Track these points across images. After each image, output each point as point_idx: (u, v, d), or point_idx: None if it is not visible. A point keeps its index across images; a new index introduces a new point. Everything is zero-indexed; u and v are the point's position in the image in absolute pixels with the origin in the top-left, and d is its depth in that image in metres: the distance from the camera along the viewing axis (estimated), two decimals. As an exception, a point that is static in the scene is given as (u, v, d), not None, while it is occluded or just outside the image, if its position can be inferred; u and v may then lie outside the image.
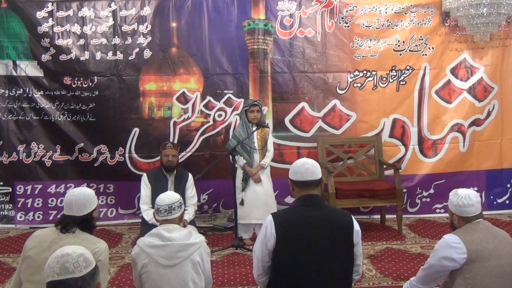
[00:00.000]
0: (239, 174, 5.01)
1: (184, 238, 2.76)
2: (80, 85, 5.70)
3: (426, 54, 5.82)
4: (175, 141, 5.69)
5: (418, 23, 5.78)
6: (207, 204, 5.86)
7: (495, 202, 5.99)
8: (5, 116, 5.71)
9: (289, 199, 5.69)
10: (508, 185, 6.01)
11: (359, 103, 5.85)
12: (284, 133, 5.80)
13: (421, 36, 5.78)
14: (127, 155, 5.77)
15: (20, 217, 5.77)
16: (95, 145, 5.76)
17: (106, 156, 5.77)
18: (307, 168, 2.66)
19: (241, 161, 4.99)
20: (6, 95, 5.71)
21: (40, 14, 5.62)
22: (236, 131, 5.10)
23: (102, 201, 5.79)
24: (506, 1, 5.18)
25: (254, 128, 4.99)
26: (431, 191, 5.91)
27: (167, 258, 2.70)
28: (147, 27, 5.71)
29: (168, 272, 2.69)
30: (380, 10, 5.77)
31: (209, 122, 5.80)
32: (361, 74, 5.82)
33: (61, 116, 5.73)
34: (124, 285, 4.06)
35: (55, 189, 5.79)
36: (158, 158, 5.49)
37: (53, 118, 5.71)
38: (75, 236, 2.67)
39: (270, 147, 5.11)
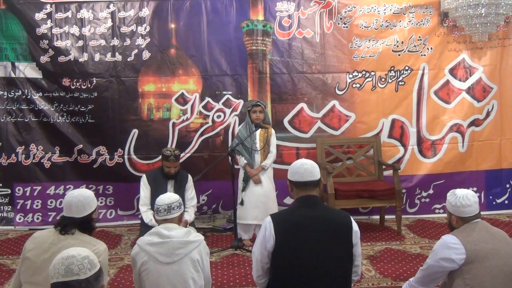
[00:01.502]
0: (241, 173, 5.03)
1: (183, 236, 2.78)
2: (79, 87, 5.70)
3: (424, 55, 5.82)
4: (174, 143, 5.70)
5: (417, 24, 5.79)
6: (206, 205, 5.86)
7: (494, 202, 5.99)
8: (4, 117, 5.71)
9: (288, 200, 5.69)
10: (507, 185, 6.01)
11: (358, 103, 5.85)
12: (283, 134, 5.80)
13: (419, 37, 5.79)
14: (126, 156, 5.77)
15: (19, 218, 5.77)
16: (94, 147, 5.76)
17: (105, 158, 5.77)
18: (306, 168, 2.66)
19: (242, 161, 5.00)
20: (5, 96, 5.70)
21: (39, 16, 5.62)
22: (239, 131, 5.12)
23: (101, 203, 5.78)
24: (504, 1, 5.19)
25: (261, 131, 5.00)
26: (430, 191, 5.92)
27: (166, 255, 2.71)
28: (145, 28, 5.71)
29: (168, 269, 2.70)
30: (378, 11, 5.78)
31: (208, 123, 5.81)
32: (360, 75, 5.83)
33: (60, 117, 5.72)
34: (123, 287, 4.06)
35: (54, 190, 5.79)
36: (157, 159, 5.51)
37: (52, 120, 5.71)
38: (74, 237, 2.67)
39: (273, 148, 5.10)
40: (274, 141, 5.13)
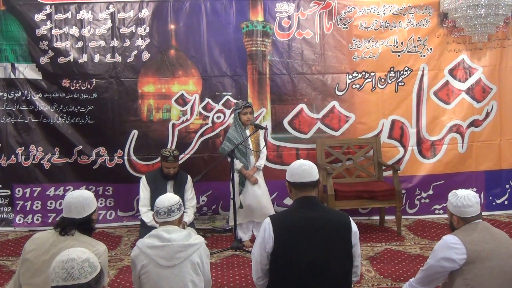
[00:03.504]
0: (236, 177, 4.97)
1: (184, 239, 2.77)
2: (79, 88, 5.70)
3: (424, 55, 5.82)
4: (174, 144, 5.70)
5: (416, 24, 5.79)
6: (206, 206, 5.85)
7: (494, 203, 5.99)
8: (3, 119, 5.71)
9: (288, 201, 5.69)
10: (507, 186, 6.01)
11: (358, 104, 5.85)
12: (283, 134, 5.80)
13: (419, 37, 5.79)
14: (126, 157, 5.77)
15: (19, 220, 5.76)
16: (94, 148, 5.75)
17: (105, 159, 5.76)
18: (304, 169, 2.66)
19: (238, 164, 4.96)
20: (5, 98, 5.70)
21: (38, 17, 5.62)
22: (230, 134, 5.04)
23: (101, 204, 5.78)
24: (504, 2, 5.18)
25: (251, 132, 4.99)
26: (430, 192, 5.92)
27: (166, 258, 2.70)
28: (145, 29, 5.71)
29: (168, 272, 2.69)
30: (378, 12, 5.78)
31: (208, 124, 5.80)
32: (359, 76, 5.83)
33: (59, 118, 5.72)
34: (123, 287, 4.06)
35: (54, 191, 5.78)
36: (157, 160, 5.50)
37: (51, 121, 5.70)
38: (74, 238, 2.67)
39: (263, 148, 5.12)
40: (262, 140, 5.15)
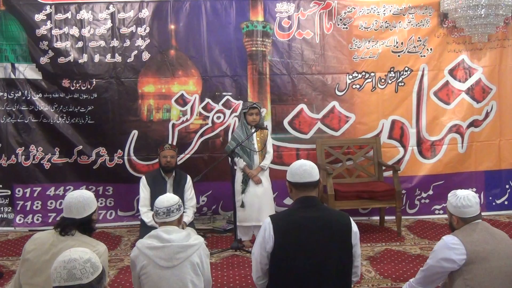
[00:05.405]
0: (239, 176, 4.99)
1: (183, 239, 2.76)
2: (79, 88, 5.70)
3: (424, 56, 5.83)
4: (174, 143, 5.69)
5: (416, 25, 5.79)
6: (206, 206, 5.86)
7: (494, 203, 5.99)
8: (3, 119, 5.71)
9: (288, 201, 5.69)
10: (507, 186, 6.01)
11: (358, 104, 5.85)
12: (283, 135, 5.81)
13: (419, 38, 5.79)
14: (126, 157, 5.77)
15: (19, 220, 5.76)
16: (94, 148, 5.76)
17: (105, 159, 5.76)
18: (304, 169, 2.66)
19: (241, 163, 4.98)
20: (5, 98, 5.71)
21: (38, 17, 5.62)
22: (235, 133, 5.08)
23: (101, 204, 5.78)
24: (504, 2, 5.19)
25: (253, 130, 4.99)
26: (430, 192, 5.92)
27: (166, 259, 2.70)
28: (145, 29, 5.71)
29: (167, 273, 2.69)
30: (378, 12, 5.78)
31: (207, 124, 5.80)
32: (359, 76, 5.83)
33: (59, 118, 5.72)
34: (123, 287, 4.06)
35: (54, 191, 5.78)
36: (157, 160, 5.50)
37: (51, 121, 5.71)
38: (74, 238, 2.67)
39: (270, 148, 5.11)
40: (270, 141, 5.15)
